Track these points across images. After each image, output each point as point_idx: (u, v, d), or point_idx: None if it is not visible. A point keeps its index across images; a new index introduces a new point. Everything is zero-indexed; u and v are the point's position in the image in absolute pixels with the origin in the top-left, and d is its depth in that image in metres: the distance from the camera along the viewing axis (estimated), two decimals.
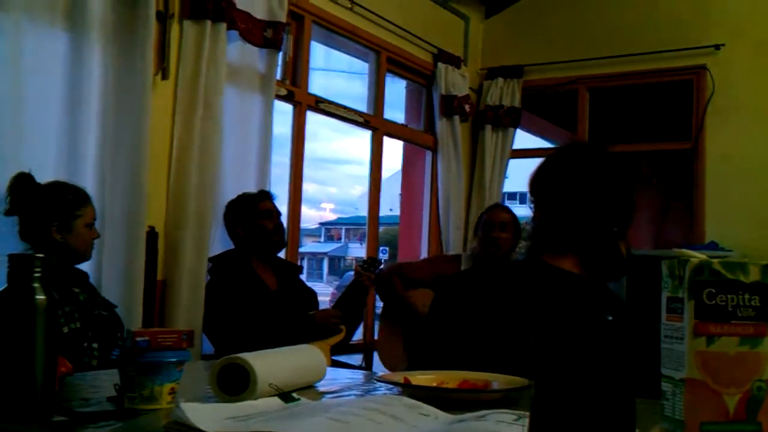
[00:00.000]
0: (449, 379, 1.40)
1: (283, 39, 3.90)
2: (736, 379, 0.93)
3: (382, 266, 4.18)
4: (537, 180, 1.73)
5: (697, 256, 0.97)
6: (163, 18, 3.33)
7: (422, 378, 1.41)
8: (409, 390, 1.32)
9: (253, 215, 3.48)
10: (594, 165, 1.69)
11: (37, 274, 1.12)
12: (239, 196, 3.56)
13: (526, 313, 1.50)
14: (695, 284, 0.93)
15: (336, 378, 1.60)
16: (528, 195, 1.75)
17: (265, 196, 3.59)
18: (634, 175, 1.70)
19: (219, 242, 3.59)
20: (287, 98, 4.20)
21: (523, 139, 6.22)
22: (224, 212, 3.56)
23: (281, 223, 3.60)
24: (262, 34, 3.76)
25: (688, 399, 0.92)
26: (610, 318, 0.72)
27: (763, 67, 4.92)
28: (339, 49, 4.99)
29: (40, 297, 1.11)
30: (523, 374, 1.34)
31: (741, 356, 0.93)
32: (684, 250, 0.96)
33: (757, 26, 4.95)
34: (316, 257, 33.22)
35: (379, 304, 4.75)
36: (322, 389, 1.45)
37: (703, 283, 0.93)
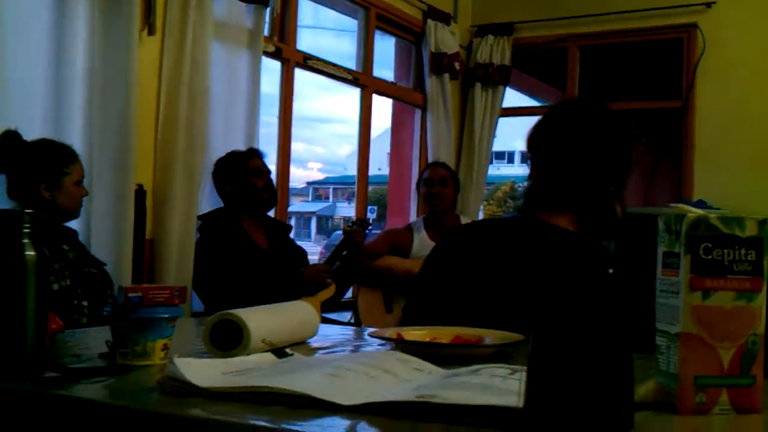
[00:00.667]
0: (442, 334, 1.40)
1: None
2: (731, 333, 0.93)
3: (371, 226, 4.22)
4: (535, 136, 1.71)
5: (695, 211, 0.97)
6: None
7: (415, 333, 1.41)
8: (402, 345, 1.32)
9: (243, 173, 3.45)
10: (593, 123, 1.67)
11: (26, 230, 1.11)
12: (228, 154, 3.53)
13: (522, 268, 1.50)
14: (692, 239, 0.93)
15: (328, 334, 1.60)
16: (525, 151, 1.74)
17: (254, 154, 3.56)
18: (631, 135, 1.68)
19: (208, 200, 3.57)
20: (275, 55, 4.15)
21: (513, 98, 6.20)
22: (213, 170, 3.53)
23: (271, 181, 3.58)
24: None
25: (682, 353, 0.93)
26: (611, 271, 0.72)
27: (753, 25, 4.89)
28: (327, 5, 4.92)
29: (30, 253, 1.10)
30: (517, 329, 1.34)
31: (736, 310, 0.93)
32: (681, 205, 0.96)
33: None
34: (303, 216, 33.19)
35: None
36: (314, 345, 1.45)
37: (700, 238, 0.93)
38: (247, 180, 3.45)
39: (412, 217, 5.29)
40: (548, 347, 0.74)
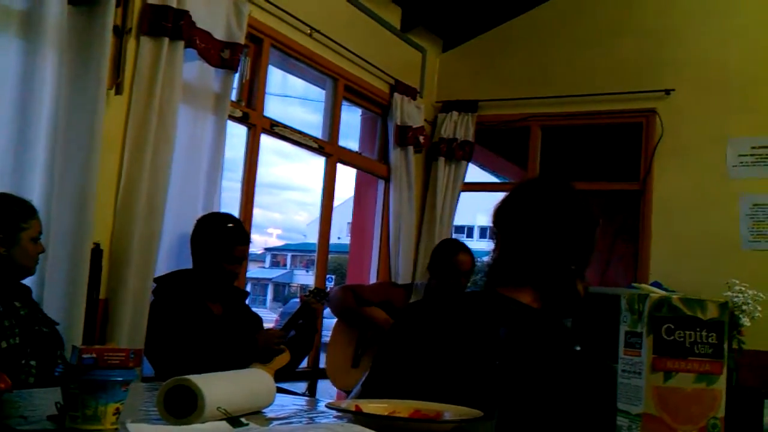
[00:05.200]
0: (401, 408, 1.38)
1: (241, 61, 3.88)
2: (692, 415, 0.93)
3: (329, 297, 4.20)
4: (500, 212, 1.73)
5: (657, 291, 0.98)
6: (120, 33, 3.29)
7: (373, 406, 1.38)
8: (360, 418, 1.29)
9: (225, 253, 3.40)
10: (557, 202, 1.69)
11: None
12: (222, 224, 3.46)
13: (483, 343, 1.49)
14: (654, 320, 0.93)
15: (284, 404, 1.57)
16: (490, 226, 1.75)
17: (245, 241, 3.52)
18: (594, 215, 1.71)
19: (164, 263, 3.51)
20: (242, 120, 4.16)
21: (475, 173, 6.27)
22: (199, 226, 3.46)
23: (241, 269, 3.57)
24: (219, 55, 3.73)
25: None
26: (578, 348, 0.72)
27: (710, 112, 5.04)
28: (296, 74, 4.98)
29: None
30: (477, 405, 1.32)
31: (697, 393, 0.93)
32: (644, 285, 0.97)
33: (706, 73, 5.08)
34: (260, 283, 32.90)
35: (325, 332, 4.75)
36: (270, 415, 1.42)
37: (662, 319, 0.93)
38: (224, 264, 3.40)
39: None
40: (513, 425, 0.73)
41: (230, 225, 3.47)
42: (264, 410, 1.44)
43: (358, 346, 4.24)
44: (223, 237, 3.42)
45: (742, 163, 4.94)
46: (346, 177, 5.52)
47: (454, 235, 5.68)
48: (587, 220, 1.69)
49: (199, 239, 3.44)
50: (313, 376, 4.65)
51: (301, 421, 1.44)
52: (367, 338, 4.22)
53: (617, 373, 0.98)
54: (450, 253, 4.31)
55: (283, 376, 3.47)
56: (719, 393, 0.95)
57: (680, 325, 0.94)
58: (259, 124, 4.28)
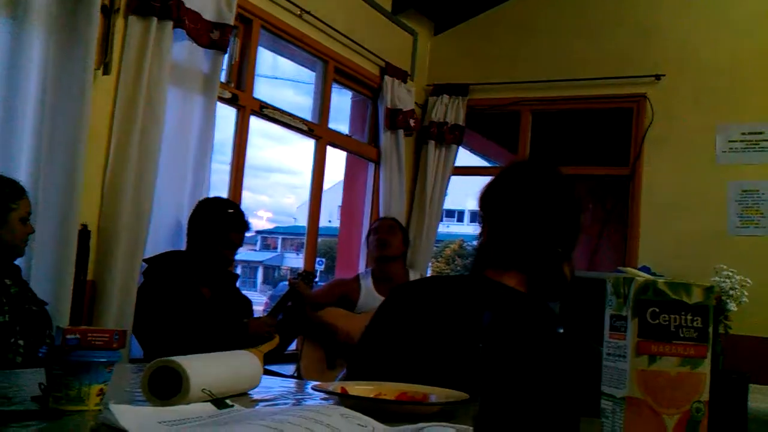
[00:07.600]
0: (387, 390, 1.38)
1: (230, 42, 3.86)
2: (676, 399, 0.93)
3: (317, 279, 4.20)
4: (487, 195, 1.72)
5: (643, 275, 0.98)
6: (107, 12, 3.26)
7: (359, 389, 1.38)
8: (346, 400, 1.29)
9: (222, 237, 3.41)
10: (544, 185, 1.69)
11: None
12: (222, 209, 3.47)
13: (468, 326, 1.49)
14: (639, 303, 0.93)
15: (271, 386, 1.57)
16: (477, 210, 1.75)
17: (243, 228, 3.52)
18: (581, 199, 1.71)
19: (152, 244, 3.49)
20: (231, 101, 4.14)
21: (465, 157, 6.27)
22: (199, 208, 3.47)
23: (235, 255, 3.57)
24: (209, 35, 3.71)
25: (628, 418, 0.92)
26: (561, 330, 0.71)
27: (700, 98, 5.05)
28: (286, 56, 4.95)
29: None
30: (463, 387, 1.33)
31: (681, 377, 0.93)
32: (630, 269, 0.96)
33: (697, 59, 5.09)
34: (250, 265, 32.86)
35: None
36: (256, 397, 1.42)
37: (647, 302, 0.93)
38: (220, 248, 3.42)
39: (362, 270, 5.28)
40: (495, 408, 0.73)
41: (230, 210, 3.49)
42: (250, 392, 1.44)
43: (326, 348, 4.22)
44: (221, 221, 3.43)
45: (731, 149, 4.96)
46: (336, 160, 5.52)
47: (444, 219, 5.70)
48: (573, 202, 1.69)
49: (198, 221, 3.44)
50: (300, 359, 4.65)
51: (287, 403, 1.44)
52: (333, 343, 4.19)
53: (602, 356, 0.98)
54: (373, 225, 4.58)
55: (271, 358, 3.45)
56: (704, 377, 0.94)
57: (665, 308, 0.94)
58: (248, 106, 4.26)
